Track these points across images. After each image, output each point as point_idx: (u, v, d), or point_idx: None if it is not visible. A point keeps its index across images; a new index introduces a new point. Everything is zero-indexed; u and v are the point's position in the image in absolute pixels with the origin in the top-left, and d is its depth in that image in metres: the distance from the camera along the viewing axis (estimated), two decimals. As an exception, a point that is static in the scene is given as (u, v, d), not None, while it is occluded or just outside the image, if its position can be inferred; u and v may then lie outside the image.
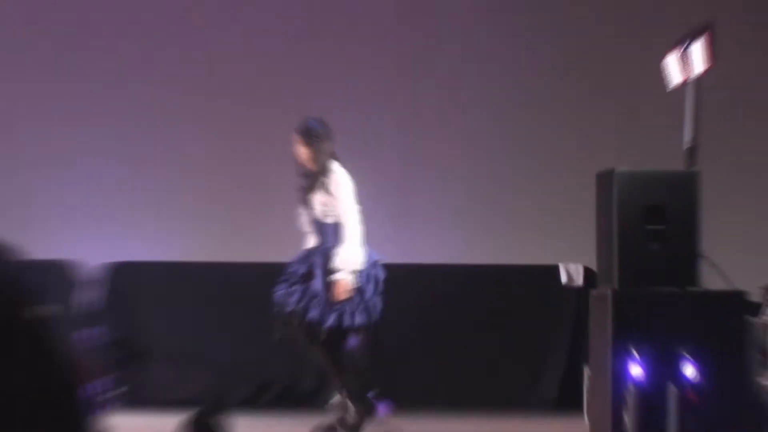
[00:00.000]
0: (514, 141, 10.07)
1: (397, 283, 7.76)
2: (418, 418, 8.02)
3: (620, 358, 6.64)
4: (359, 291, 6.80)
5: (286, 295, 6.79)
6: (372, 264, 6.93)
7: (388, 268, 7.59)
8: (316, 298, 6.73)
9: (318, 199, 6.88)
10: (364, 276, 6.88)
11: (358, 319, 6.86)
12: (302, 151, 6.87)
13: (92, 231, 10.47)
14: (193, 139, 10.73)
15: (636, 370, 6.67)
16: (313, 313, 6.73)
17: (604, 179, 6.69)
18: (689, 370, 6.74)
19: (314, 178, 6.87)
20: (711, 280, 6.99)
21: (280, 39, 10.84)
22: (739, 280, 6.97)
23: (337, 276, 6.72)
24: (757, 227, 9.19)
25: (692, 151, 6.90)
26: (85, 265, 9.62)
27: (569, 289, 8.68)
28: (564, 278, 8.65)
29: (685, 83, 6.83)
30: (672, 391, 6.76)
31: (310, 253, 6.87)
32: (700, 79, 6.92)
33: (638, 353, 6.71)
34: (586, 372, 7.71)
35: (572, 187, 8.68)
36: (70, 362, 1.22)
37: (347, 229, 6.82)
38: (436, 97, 10.32)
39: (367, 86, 10.54)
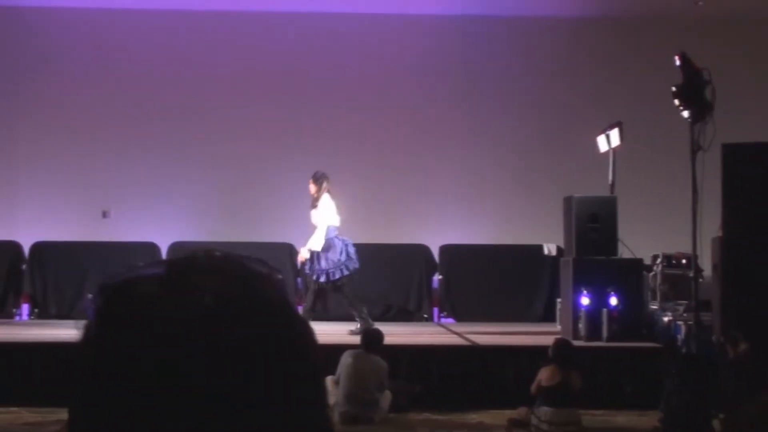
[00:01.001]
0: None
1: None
2: (468, 324, 12.34)
3: (576, 295, 10.57)
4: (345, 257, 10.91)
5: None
6: (344, 247, 11.00)
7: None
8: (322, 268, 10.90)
9: (313, 213, 11.04)
10: (338, 255, 10.90)
11: (346, 272, 10.95)
12: (311, 187, 11.09)
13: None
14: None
15: (585, 301, 10.47)
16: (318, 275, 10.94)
17: (567, 201, 11.73)
18: (613, 300, 10.46)
19: (314, 202, 11.06)
20: (623, 252, 11.34)
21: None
22: (639, 252, 11.42)
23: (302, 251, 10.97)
24: (649, 224, 13.49)
25: (612, 185, 11.97)
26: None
27: (549, 258, 13.55)
28: (545, 251, 13.67)
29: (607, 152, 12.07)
30: (604, 312, 10.36)
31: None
32: (615, 150, 11.97)
33: (586, 292, 10.52)
34: (558, 302, 12.03)
35: (549, 200, 13.13)
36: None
37: (318, 226, 10.93)
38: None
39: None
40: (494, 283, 13.60)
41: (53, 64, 14.79)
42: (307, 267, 11.19)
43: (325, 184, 11.12)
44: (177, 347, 0.92)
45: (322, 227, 11.03)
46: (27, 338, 10.86)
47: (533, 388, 8.53)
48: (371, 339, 9.14)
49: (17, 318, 13.56)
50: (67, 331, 11.28)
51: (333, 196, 11.16)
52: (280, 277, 1.00)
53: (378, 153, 14.67)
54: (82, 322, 0.98)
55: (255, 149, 14.70)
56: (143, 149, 14.75)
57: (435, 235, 14.07)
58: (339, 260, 11.04)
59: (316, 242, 10.97)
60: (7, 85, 14.73)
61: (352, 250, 11.18)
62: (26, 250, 13.91)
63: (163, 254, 13.73)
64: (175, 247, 13.76)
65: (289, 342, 0.96)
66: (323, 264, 11.02)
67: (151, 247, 13.86)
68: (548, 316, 13.00)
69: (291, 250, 13.19)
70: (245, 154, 14.69)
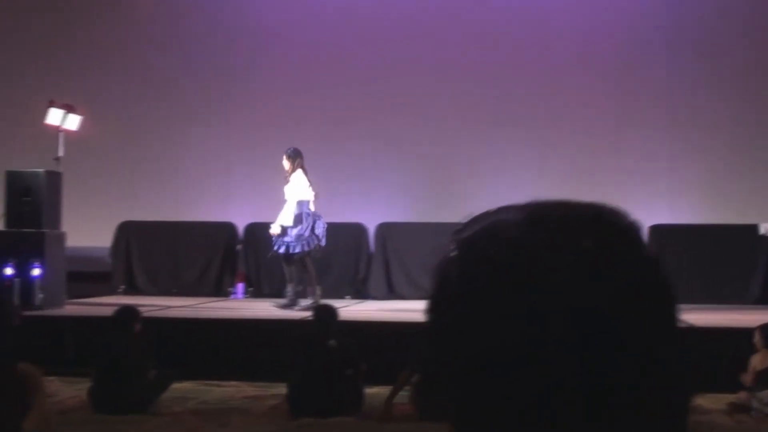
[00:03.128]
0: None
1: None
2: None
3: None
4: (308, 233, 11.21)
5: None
6: (321, 222, 11.37)
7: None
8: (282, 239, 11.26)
9: (286, 188, 11.34)
10: (303, 230, 11.19)
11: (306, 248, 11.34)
12: (285, 164, 11.38)
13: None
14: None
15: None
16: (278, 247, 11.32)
17: None
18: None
19: (288, 178, 11.35)
20: None
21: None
22: None
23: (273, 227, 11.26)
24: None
25: None
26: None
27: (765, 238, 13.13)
28: (762, 231, 13.17)
29: None
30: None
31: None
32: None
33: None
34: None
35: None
36: None
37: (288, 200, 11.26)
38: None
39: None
40: (705, 263, 13.22)
41: (266, 46, 15.10)
42: (274, 240, 11.49)
43: (298, 161, 11.49)
44: (553, 291, 0.87)
45: (292, 202, 11.40)
46: (244, 315, 11.23)
47: (747, 378, 8.36)
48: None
49: (233, 296, 13.99)
50: (279, 310, 11.66)
51: (306, 173, 11.51)
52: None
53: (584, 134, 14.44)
54: (440, 266, 0.96)
55: (460, 128, 14.69)
56: (349, 130, 14.91)
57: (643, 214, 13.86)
58: (302, 235, 11.36)
59: (286, 217, 11.38)
60: (222, 66, 15.14)
61: (321, 227, 11.47)
62: (241, 230, 14.37)
63: (371, 235, 13.93)
64: (382, 228, 13.98)
65: (669, 301, 0.92)
66: (287, 237, 11.38)
67: (359, 228, 14.09)
68: (765, 299, 12.63)
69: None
70: (450, 132, 14.71)
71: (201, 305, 12.46)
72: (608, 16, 14.60)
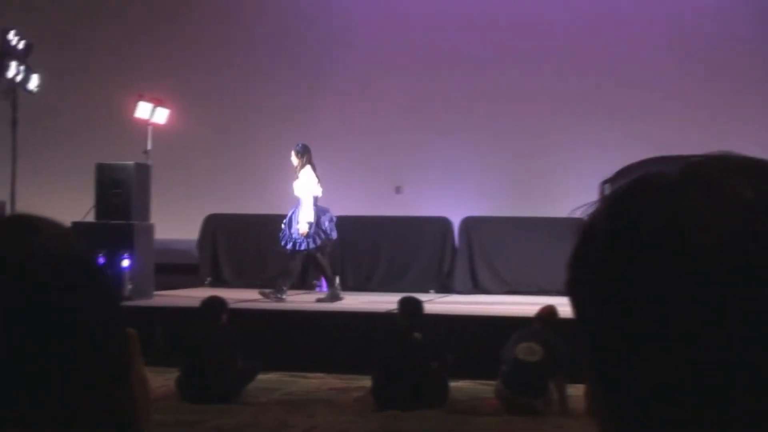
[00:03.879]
0: None
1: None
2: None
3: None
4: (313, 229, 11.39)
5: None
6: (326, 217, 11.50)
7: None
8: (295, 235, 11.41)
9: (296, 184, 11.47)
10: (315, 225, 11.38)
11: (312, 245, 11.48)
12: (294, 160, 11.51)
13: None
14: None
15: None
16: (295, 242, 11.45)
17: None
18: None
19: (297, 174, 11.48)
20: None
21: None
22: None
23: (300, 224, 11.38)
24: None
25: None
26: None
27: None
28: None
29: None
30: None
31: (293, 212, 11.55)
32: None
33: None
34: None
35: None
36: None
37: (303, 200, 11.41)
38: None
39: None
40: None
41: (352, 38, 15.13)
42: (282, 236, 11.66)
43: (306, 156, 11.57)
44: (713, 245, 0.83)
45: (308, 198, 11.49)
46: (328, 308, 11.28)
47: None
48: None
49: (317, 289, 14.02)
50: (366, 301, 11.73)
51: (314, 168, 11.61)
52: None
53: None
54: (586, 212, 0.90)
55: (547, 122, 14.58)
56: (435, 123, 14.87)
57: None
58: (308, 231, 11.46)
59: (307, 214, 11.48)
60: (308, 60, 15.22)
61: (326, 221, 11.55)
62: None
63: (455, 230, 13.91)
64: (467, 222, 13.92)
65: None
66: (294, 233, 11.48)
67: (444, 222, 14.06)
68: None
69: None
70: (536, 126, 14.61)
71: (286, 297, 12.53)
72: (699, 4, 14.39)
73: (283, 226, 11.80)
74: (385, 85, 14.96)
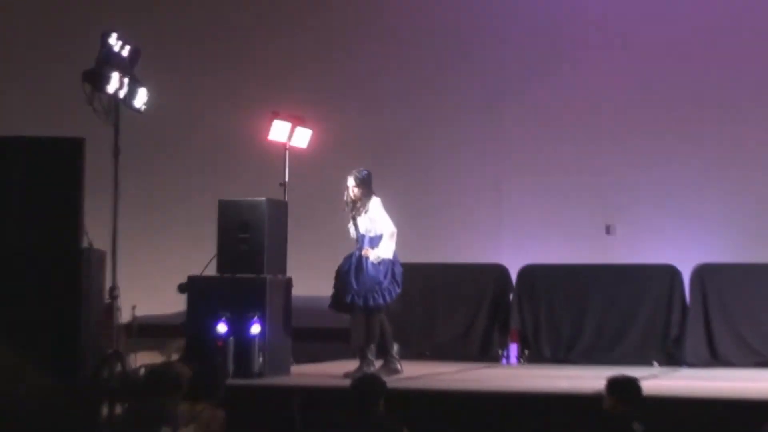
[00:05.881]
0: None
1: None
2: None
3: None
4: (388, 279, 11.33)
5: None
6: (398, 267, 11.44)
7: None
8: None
9: (360, 220, 11.48)
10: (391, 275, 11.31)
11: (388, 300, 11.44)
12: (352, 188, 11.52)
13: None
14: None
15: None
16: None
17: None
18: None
19: (358, 206, 11.51)
20: None
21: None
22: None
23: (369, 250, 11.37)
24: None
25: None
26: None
27: None
28: None
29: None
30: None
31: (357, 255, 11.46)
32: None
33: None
34: None
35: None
36: None
37: (383, 234, 11.42)
38: None
39: None
40: None
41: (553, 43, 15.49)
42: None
43: (370, 185, 11.74)
44: None
45: (391, 234, 11.59)
46: (522, 387, 11.07)
47: None
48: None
49: (504, 362, 13.84)
50: (564, 375, 11.57)
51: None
52: None
53: None
54: None
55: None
56: (653, 147, 15.03)
57: None
58: (381, 282, 11.52)
59: (386, 250, 11.54)
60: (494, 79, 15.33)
61: (399, 271, 11.60)
62: (513, 275, 14.38)
63: (686, 279, 13.53)
64: (702, 271, 13.73)
65: None
66: (357, 284, 11.51)
67: (670, 271, 13.87)
68: None
69: None
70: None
71: (463, 372, 12.53)
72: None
73: (339, 279, 11.78)
74: (592, 99, 15.18)
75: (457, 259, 14.82)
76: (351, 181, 11.70)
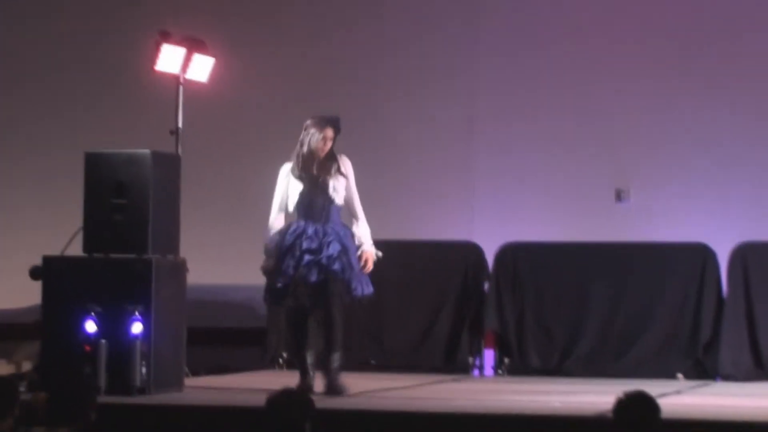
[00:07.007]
0: None
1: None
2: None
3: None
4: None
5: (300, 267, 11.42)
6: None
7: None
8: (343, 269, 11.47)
9: (332, 182, 11.56)
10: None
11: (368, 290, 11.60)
12: (330, 142, 11.59)
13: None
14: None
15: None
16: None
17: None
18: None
19: (329, 164, 11.56)
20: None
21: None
22: None
23: (368, 249, 11.58)
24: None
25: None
26: None
27: None
28: None
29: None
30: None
31: (315, 230, 11.58)
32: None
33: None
34: None
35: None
36: None
37: (360, 210, 11.78)
38: None
39: None
40: None
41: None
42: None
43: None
44: None
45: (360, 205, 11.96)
46: (497, 408, 10.96)
47: None
48: None
49: (476, 373, 13.78)
50: (557, 391, 11.61)
51: None
52: None
53: None
54: None
55: None
56: (680, 85, 15.31)
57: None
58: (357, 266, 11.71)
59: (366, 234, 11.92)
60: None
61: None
62: (489, 257, 14.64)
63: (722, 261, 13.78)
64: (743, 252, 14.01)
65: None
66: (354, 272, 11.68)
67: (702, 251, 14.07)
68: None
69: None
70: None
71: (421, 387, 12.67)
72: None
73: (289, 253, 11.63)
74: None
75: (412, 235, 15.04)
76: (330, 132, 11.68)
